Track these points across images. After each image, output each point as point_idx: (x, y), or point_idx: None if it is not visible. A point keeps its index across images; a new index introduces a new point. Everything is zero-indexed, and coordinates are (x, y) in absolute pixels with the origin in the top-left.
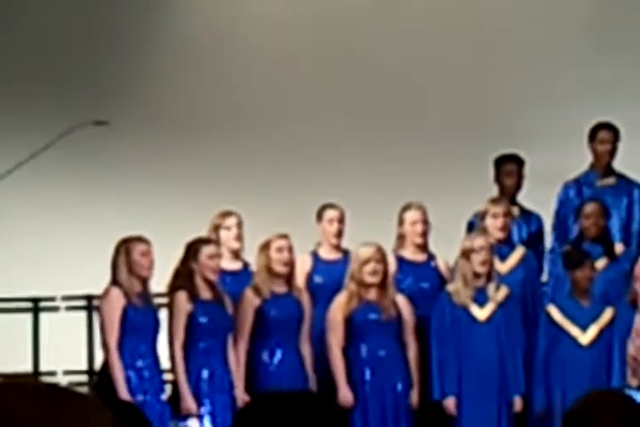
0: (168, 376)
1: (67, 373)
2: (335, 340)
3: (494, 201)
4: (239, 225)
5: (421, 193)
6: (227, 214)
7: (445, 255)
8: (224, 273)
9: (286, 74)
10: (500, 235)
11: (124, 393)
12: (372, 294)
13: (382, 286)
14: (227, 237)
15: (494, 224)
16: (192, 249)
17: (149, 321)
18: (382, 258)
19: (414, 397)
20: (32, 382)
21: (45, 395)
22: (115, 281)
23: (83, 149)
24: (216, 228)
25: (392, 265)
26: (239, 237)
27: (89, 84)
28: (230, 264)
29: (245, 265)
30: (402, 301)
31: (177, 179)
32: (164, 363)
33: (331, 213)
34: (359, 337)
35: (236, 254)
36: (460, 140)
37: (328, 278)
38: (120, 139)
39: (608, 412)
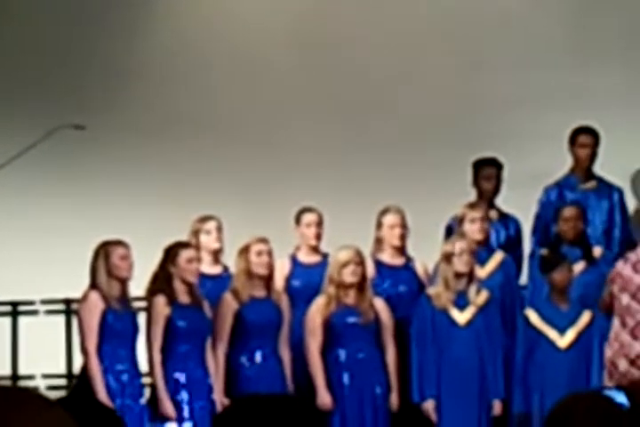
0: (146, 380)
1: (45, 376)
2: (314, 343)
3: (472, 206)
4: (219, 229)
5: (399, 197)
6: (206, 219)
7: (423, 259)
8: (204, 277)
9: (266, 81)
10: (478, 237)
11: (103, 397)
12: (350, 298)
13: (360, 289)
14: (206, 240)
15: (472, 229)
16: (171, 253)
17: (128, 325)
18: (361, 261)
19: (394, 400)
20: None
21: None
22: (94, 285)
23: (61, 154)
24: (196, 232)
25: (370, 269)
26: (219, 241)
27: (67, 89)
28: (210, 268)
29: (225, 269)
30: (380, 304)
31: (156, 183)
32: (143, 367)
33: (309, 217)
34: (338, 341)
35: (216, 258)
36: (439, 144)
37: (307, 282)
38: (99, 143)
39: (588, 414)
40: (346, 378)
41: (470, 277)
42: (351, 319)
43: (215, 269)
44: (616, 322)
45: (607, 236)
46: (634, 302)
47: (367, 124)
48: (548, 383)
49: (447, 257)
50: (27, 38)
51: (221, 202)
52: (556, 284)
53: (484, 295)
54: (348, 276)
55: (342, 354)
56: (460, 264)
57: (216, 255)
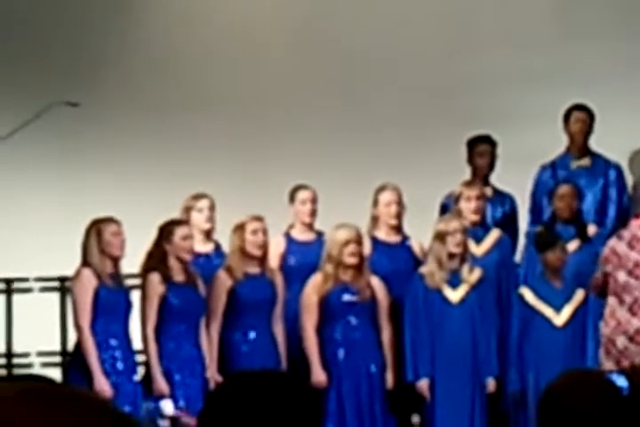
0: (140, 358)
1: (40, 354)
2: (310, 321)
3: (468, 184)
4: (211, 208)
5: (395, 174)
6: (199, 197)
7: (419, 237)
8: (196, 255)
9: (257, 56)
10: (474, 218)
11: (97, 374)
12: (348, 276)
13: (358, 268)
14: (198, 219)
15: (468, 207)
16: (165, 231)
17: (121, 302)
18: (361, 240)
19: (389, 378)
20: (33, 385)
21: (44, 397)
22: (86, 262)
23: (55, 131)
24: (187, 209)
25: (366, 246)
26: (210, 220)
27: (61, 66)
28: (202, 246)
29: (217, 246)
30: (377, 283)
31: (149, 161)
32: (137, 344)
33: (303, 195)
34: (334, 318)
35: (208, 236)
36: (433, 121)
37: (302, 259)
38: (92, 120)
39: (586, 392)
40: (341, 356)
41: (463, 255)
42: (348, 297)
43: (207, 247)
44: (612, 300)
45: (601, 213)
46: (631, 278)
47: (362, 102)
48: (543, 361)
49: (440, 236)
50: (17, 16)
51: (214, 179)
52: (550, 264)
53: (476, 273)
54: (349, 256)
55: (338, 332)
56: (453, 244)
57: (208, 233)
